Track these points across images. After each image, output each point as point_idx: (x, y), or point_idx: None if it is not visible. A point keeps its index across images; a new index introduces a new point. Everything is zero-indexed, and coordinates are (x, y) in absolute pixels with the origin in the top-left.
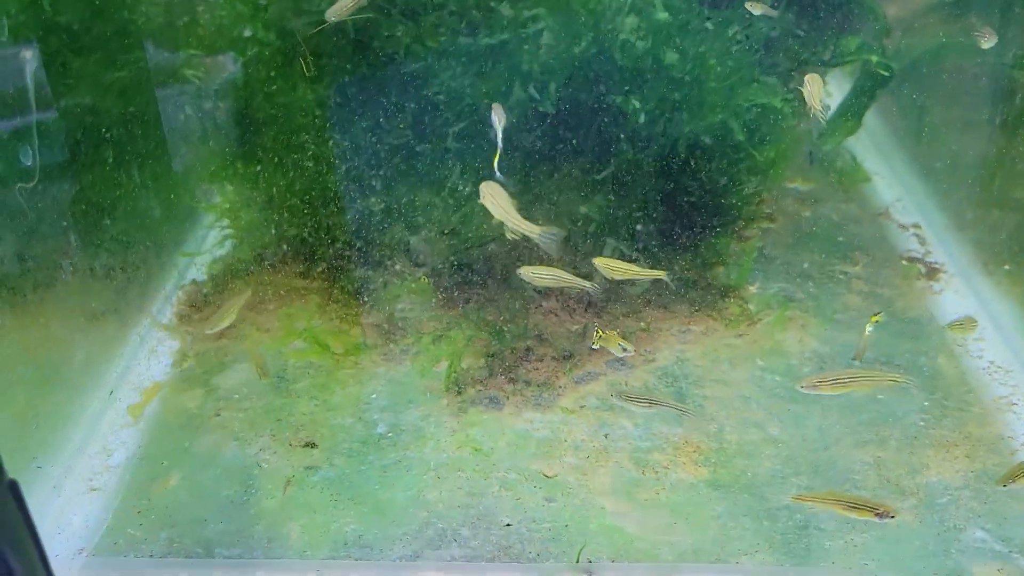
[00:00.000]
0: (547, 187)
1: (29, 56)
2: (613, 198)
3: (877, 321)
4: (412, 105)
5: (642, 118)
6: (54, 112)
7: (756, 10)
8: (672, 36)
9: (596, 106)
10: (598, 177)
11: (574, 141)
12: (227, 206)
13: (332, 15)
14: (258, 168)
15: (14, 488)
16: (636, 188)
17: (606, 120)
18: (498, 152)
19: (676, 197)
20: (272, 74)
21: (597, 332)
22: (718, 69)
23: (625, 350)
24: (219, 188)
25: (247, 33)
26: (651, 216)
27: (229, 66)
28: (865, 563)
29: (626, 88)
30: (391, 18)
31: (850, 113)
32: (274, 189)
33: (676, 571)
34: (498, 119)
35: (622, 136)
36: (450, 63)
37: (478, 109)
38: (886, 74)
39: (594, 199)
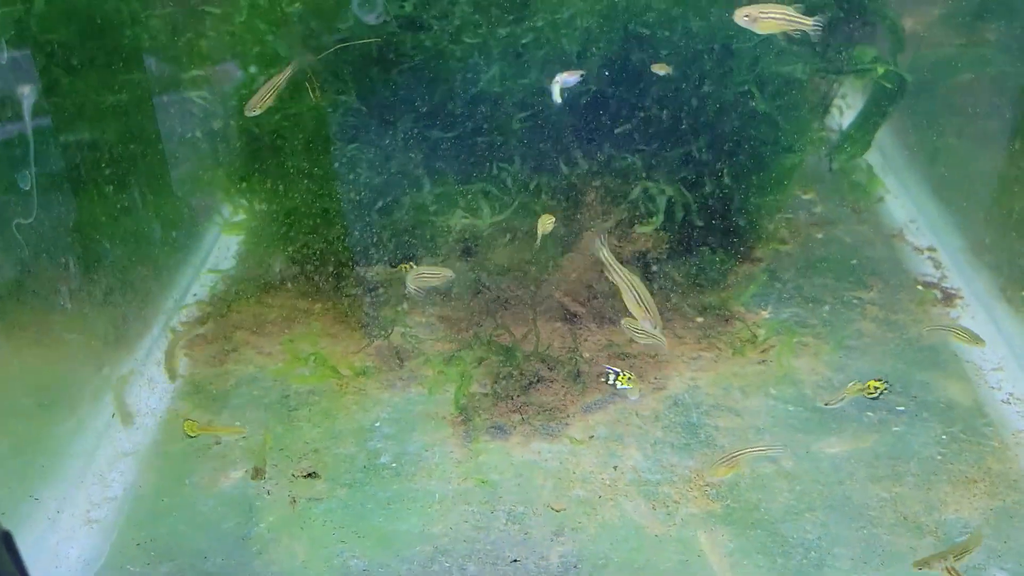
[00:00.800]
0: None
1: (27, 91)
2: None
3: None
4: (424, 124)
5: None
6: (50, 130)
7: (661, 71)
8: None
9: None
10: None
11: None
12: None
13: (250, 110)
14: (264, 188)
15: (8, 540)
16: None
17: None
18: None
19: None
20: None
21: (625, 375)
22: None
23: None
24: (229, 205)
25: (271, 49)
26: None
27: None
28: None
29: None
30: (418, 25)
31: (863, 128)
32: (280, 211)
33: None
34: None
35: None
36: (480, 64)
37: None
38: (890, 86)
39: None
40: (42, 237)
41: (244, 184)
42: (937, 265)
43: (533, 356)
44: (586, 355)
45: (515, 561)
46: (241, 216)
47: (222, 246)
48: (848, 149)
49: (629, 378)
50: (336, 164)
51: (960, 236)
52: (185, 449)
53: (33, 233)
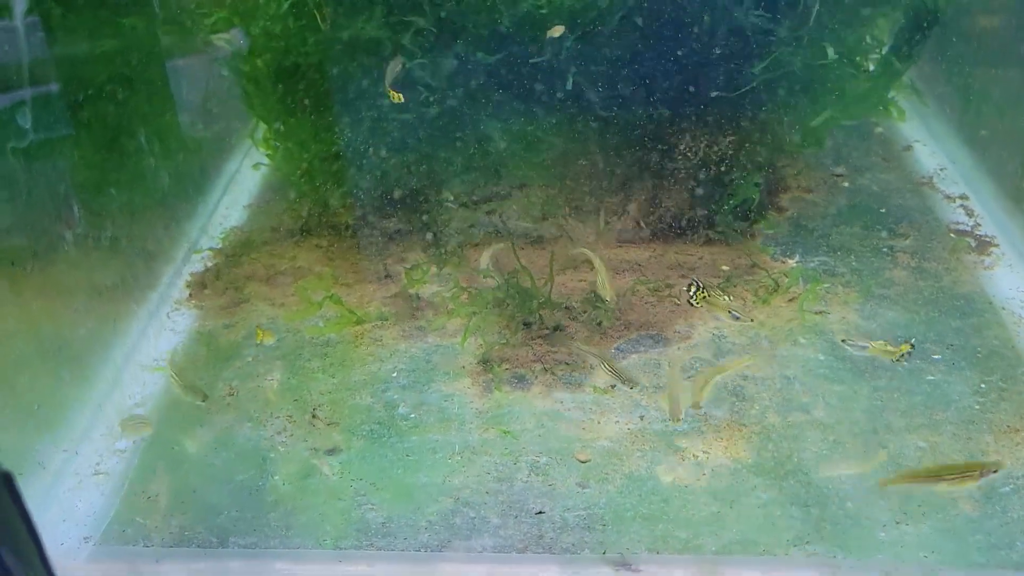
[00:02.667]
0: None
1: None
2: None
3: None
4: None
5: None
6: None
7: (557, 33)
8: None
9: None
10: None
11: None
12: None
13: None
14: (283, 130)
15: (8, 481)
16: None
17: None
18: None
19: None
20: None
21: (700, 292)
22: None
23: (737, 317)
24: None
25: None
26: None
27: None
28: (924, 556)
29: None
30: None
31: (894, 60)
32: (299, 158)
33: (721, 564)
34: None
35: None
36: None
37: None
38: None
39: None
40: (44, 175)
41: (277, 122)
42: (970, 213)
43: (548, 304)
44: (608, 303)
45: (540, 513)
46: (264, 159)
47: (237, 190)
48: (879, 83)
49: (705, 297)
50: (349, 112)
51: (994, 183)
52: (196, 399)
53: (34, 168)
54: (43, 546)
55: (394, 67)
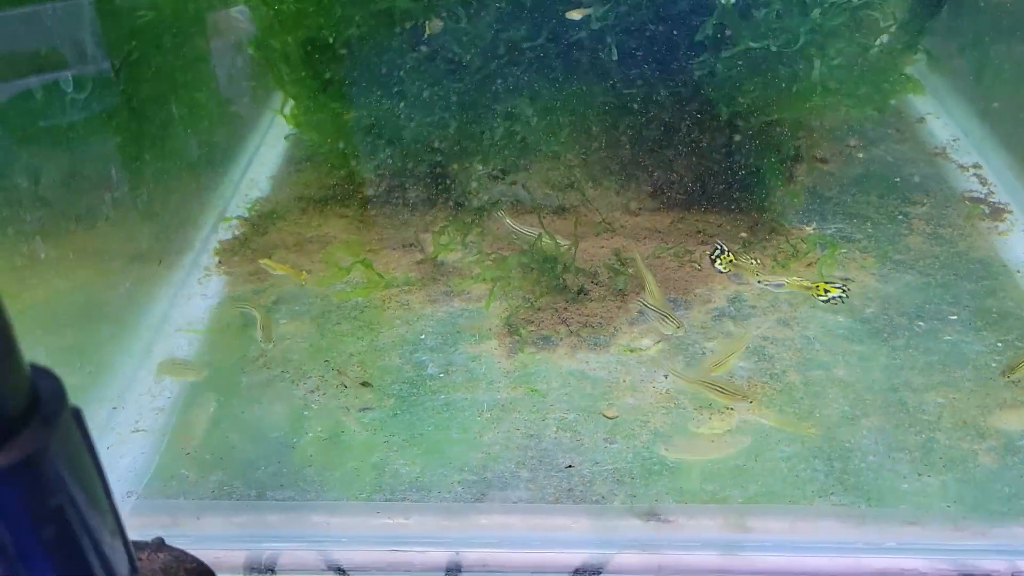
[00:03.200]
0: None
1: None
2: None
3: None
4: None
5: None
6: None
7: (576, 15)
8: None
9: None
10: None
11: None
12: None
13: None
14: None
15: (78, 416)
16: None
17: None
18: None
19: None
20: None
21: (724, 256)
22: None
23: (761, 282)
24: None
25: None
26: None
27: None
28: (947, 506)
29: None
30: None
31: (908, 30)
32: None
33: (748, 513)
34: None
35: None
36: None
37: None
38: None
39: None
40: (88, 145)
41: (307, 96)
42: (983, 182)
43: (572, 268)
44: (630, 271)
45: (569, 467)
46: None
47: (262, 162)
48: (894, 51)
49: (731, 260)
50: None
51: (1007, 153)
52: (231, 360)
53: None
54: (107, 479)
55: (433, 25)
